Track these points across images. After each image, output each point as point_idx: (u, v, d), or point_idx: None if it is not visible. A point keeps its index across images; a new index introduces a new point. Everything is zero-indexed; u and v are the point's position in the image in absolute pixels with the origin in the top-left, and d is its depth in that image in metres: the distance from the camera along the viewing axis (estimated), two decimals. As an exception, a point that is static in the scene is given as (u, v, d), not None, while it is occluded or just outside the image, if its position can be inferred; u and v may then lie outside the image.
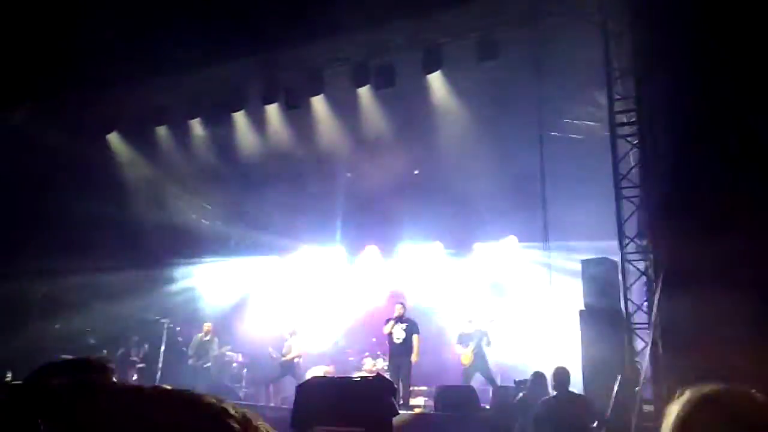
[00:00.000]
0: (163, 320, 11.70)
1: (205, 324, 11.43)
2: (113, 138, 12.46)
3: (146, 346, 11.44)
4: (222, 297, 13.19)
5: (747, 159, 5.91)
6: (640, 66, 7.53)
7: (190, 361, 11.08)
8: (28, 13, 9.35)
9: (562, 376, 6.42)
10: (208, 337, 11.29)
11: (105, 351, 10.78)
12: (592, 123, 8.74)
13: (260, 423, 0.70)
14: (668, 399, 1.22)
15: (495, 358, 10.16)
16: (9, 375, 5.55)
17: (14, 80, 10.23)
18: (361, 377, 9.37)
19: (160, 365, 11.22)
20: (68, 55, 10.01)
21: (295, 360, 10.87)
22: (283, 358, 10.87)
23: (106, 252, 11.17)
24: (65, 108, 11.36)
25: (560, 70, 9.13)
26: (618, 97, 8.26)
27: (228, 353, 11.72)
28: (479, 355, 9.92)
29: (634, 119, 8.04)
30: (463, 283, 12.29)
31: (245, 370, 11.81)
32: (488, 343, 9.98)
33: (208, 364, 11.18)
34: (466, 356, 9.96)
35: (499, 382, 9.72)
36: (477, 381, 9.85)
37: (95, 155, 11.84)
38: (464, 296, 11.95)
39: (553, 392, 6.51)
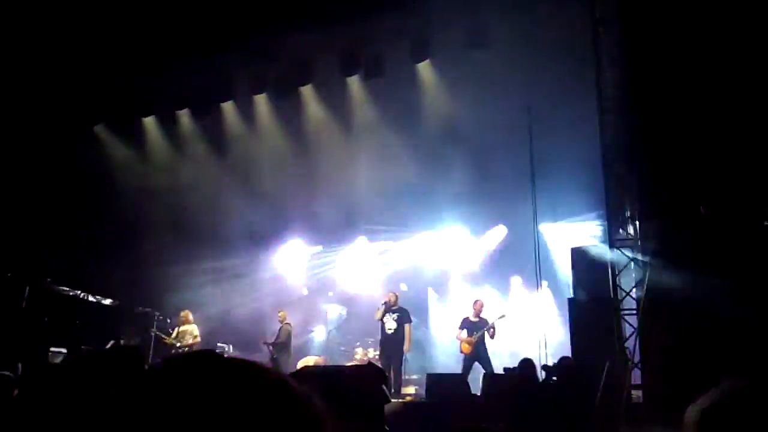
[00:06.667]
0: (154, 312, 11.65)
1: (279, 313, 11.33)
2: (100, 130, 12.41)
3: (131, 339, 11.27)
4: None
5: (740, 139, 5.93)
6: (628, 51, 7.52)
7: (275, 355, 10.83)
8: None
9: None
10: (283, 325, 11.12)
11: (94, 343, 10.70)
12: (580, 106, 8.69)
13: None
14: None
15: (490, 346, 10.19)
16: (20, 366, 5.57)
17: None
18: (352, 366, 9.40)
19: (150, 357, 11.18)
20: (57, 47, 9.92)
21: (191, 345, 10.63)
22: (179, 343, 10.70)
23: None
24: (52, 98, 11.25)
25: (549, 58, 9.12)
26: (607, 81, 8.24)
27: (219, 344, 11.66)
28: (481, 346, 9.89)
29: (622, 104, 8.04)
30: (460, 270, 12.34)
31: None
32: (492, 336, 9.97)
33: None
34: (466, 345, 9.93)
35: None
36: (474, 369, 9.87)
37: (82, 147, 11.76)
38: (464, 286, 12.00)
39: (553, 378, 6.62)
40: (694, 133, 6.00)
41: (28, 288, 10.55)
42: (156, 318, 11.49)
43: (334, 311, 13.07)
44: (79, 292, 11.16)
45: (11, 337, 9.78)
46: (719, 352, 5.20)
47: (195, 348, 10.56)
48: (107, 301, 11.61)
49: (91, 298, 11.39)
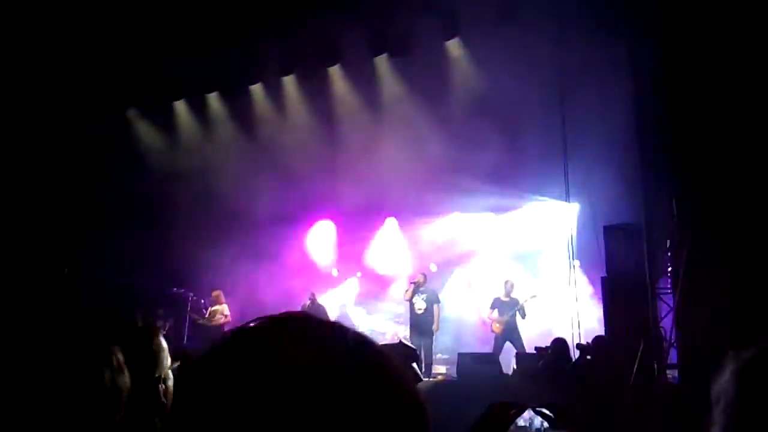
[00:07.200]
0: (188, 293, 11.84)
1: (310, 293, 11.46)
2: (132, 114, 12.60)
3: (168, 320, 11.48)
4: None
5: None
6: (664, 22, 7.27)
7: None
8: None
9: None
10: (311, 303, 11.26)
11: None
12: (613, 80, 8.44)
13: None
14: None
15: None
16: None
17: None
18: (383, 345, 9.44)
19: (185, 339, 11.39)
20: (91, 32, 10.03)
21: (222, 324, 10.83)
22: (211, 323, 10.91)
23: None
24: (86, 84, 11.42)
25: (581, 30, 8.88)
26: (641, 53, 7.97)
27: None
28: (512, 325, 9.87)
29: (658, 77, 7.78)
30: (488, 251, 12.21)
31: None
32: (523, 316, 9.95)
33: None
34: (498, 325, 9.92)
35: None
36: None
37: (116, 131, 11.95)
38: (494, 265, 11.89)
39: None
40: (736, 108, 5.79)
41: (66, 270, 10.82)
42: (190, 299, 11.68)
43: (360, 291, 13.11)
44: (114, 274, 11.39)
45: (51, 319, 10.04)
46: (761, 330, 5.07)
47: (225, 328, 10.79)
48: (141, 283, 11.83)
49: (125, 280, 11.61)
